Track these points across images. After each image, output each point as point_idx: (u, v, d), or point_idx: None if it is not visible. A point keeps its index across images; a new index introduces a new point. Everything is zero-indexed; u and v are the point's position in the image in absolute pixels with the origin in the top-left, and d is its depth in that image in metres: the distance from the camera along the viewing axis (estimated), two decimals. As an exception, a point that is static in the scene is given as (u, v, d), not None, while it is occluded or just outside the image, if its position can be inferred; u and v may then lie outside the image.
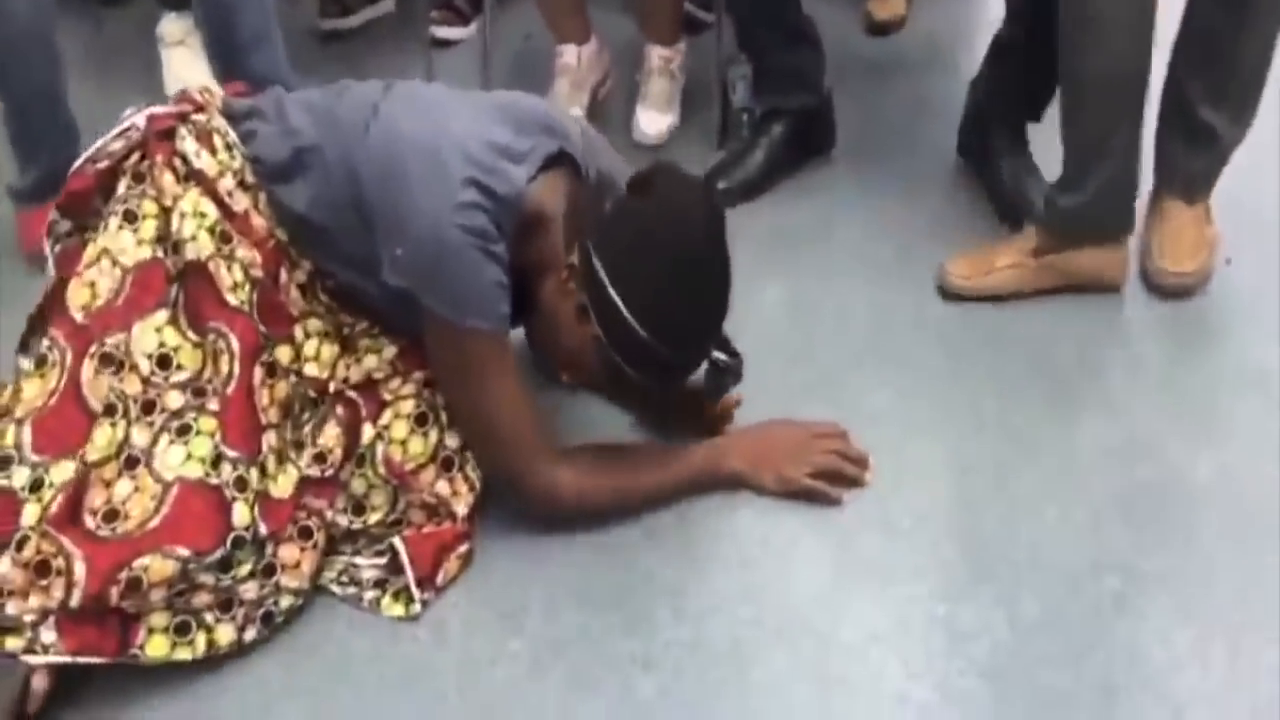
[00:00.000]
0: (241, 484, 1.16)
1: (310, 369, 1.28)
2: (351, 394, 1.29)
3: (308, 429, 1.26)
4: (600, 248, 1.21)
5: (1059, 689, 1.15)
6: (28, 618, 1.07)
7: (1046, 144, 1.88)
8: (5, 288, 1.77)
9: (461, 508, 1.27)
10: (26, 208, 1.90)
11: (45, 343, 1.22)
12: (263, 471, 1.19)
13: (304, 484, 1.23)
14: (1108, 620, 1.22)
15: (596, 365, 1.25)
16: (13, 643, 1.06)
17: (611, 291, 1.19)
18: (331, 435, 1.27)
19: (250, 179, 1.27)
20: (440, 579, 1.24)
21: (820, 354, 1.62)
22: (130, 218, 1.24)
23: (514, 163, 1.22)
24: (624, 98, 2.24)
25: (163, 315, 1.20)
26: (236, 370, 1.19)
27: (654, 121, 2.18)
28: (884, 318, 1.69)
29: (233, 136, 1.29)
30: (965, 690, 1.15)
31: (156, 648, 1.11)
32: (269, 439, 1.21)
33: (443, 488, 1.27)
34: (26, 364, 1.27)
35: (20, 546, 1.09)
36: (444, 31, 2.67)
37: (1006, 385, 1.56)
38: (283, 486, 1.21)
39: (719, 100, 2.18)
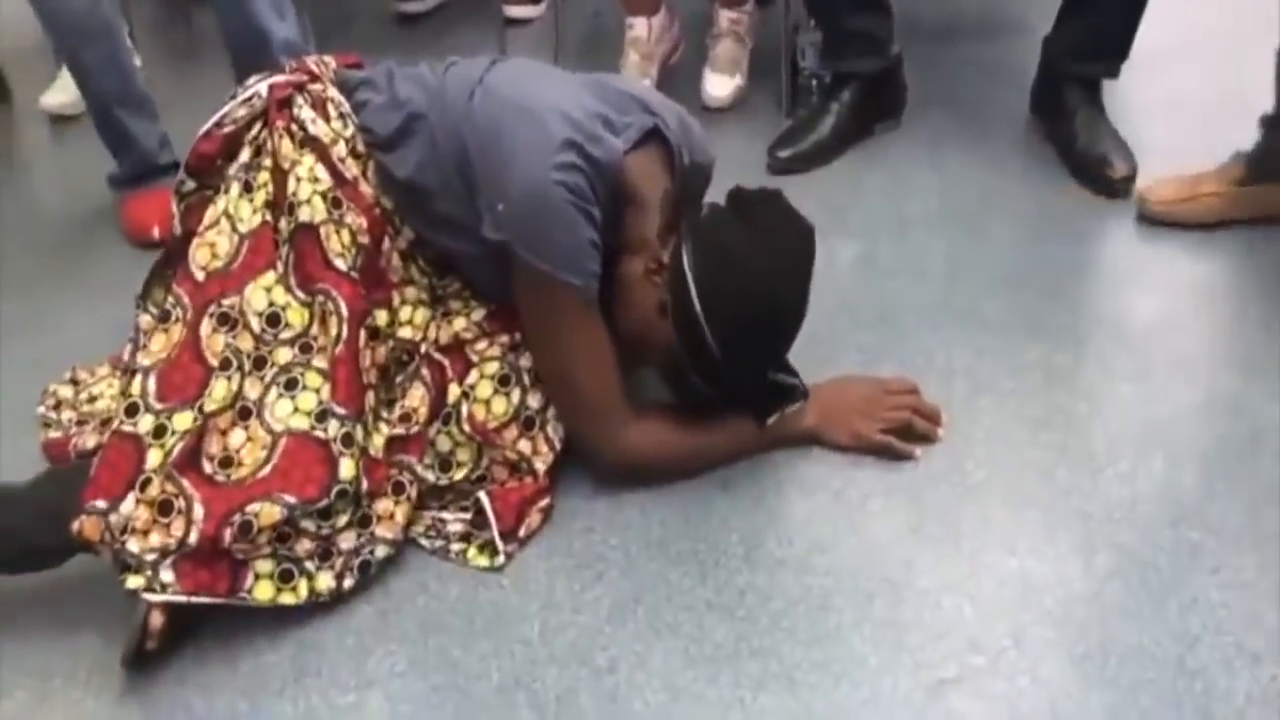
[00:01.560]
0: (348, 440, 1.23)
1: (404, 332, 1.34)
2: (438, 356, 1.35)
3: (397, 389, 1.33)
4: (694, 258, 1.24)
5: (1135, 639, 1.15)
6: (148, 556, 1.15)
7: (1123, 99, 1.86)
8: (106, 272, 1.89)
9: (541, 465, 1.33)
10: (125, 193, 2.02)
11: (170, 299, 1.30)
12: (364, 430, 1.26)
13: (392, 442, 1.30)
14: (1184, 571, 1.22)
15: (661, 352, 1.30)
16: (134, 581, 1.14)
17: (696, 305, 1.23)
18: (417, 396, 1.33)
19: (360, 148, 1.34)
20: (523, 532, 1.30)
21: (893, 312, 1.63)
22: (248, 188, 1.31)
23: (612, 133, 1.27)
24: (694, 66, 2.27)
25: (271, 276, 1.28)
26: (345, 332, 1.26)
27: (721, 84, 2.21)
28: (957, 275, 1.70)
29: (346, 106, 1.35)
30: (1040, 639, 1.16)
31: (263, 591, 1.19)
32: (369, 399, 1.28)
33: (524, 446, 1.32)
34: (146, 318, 1.37)
35: (144, 487, 1.18)
36: (515, 10, 2.73)
37: (1080, 341, 1.55)
38: (377, 444, 1.28)
39: (787, 68, 2.19)
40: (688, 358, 1.26)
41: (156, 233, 1.90)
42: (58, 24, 1.89)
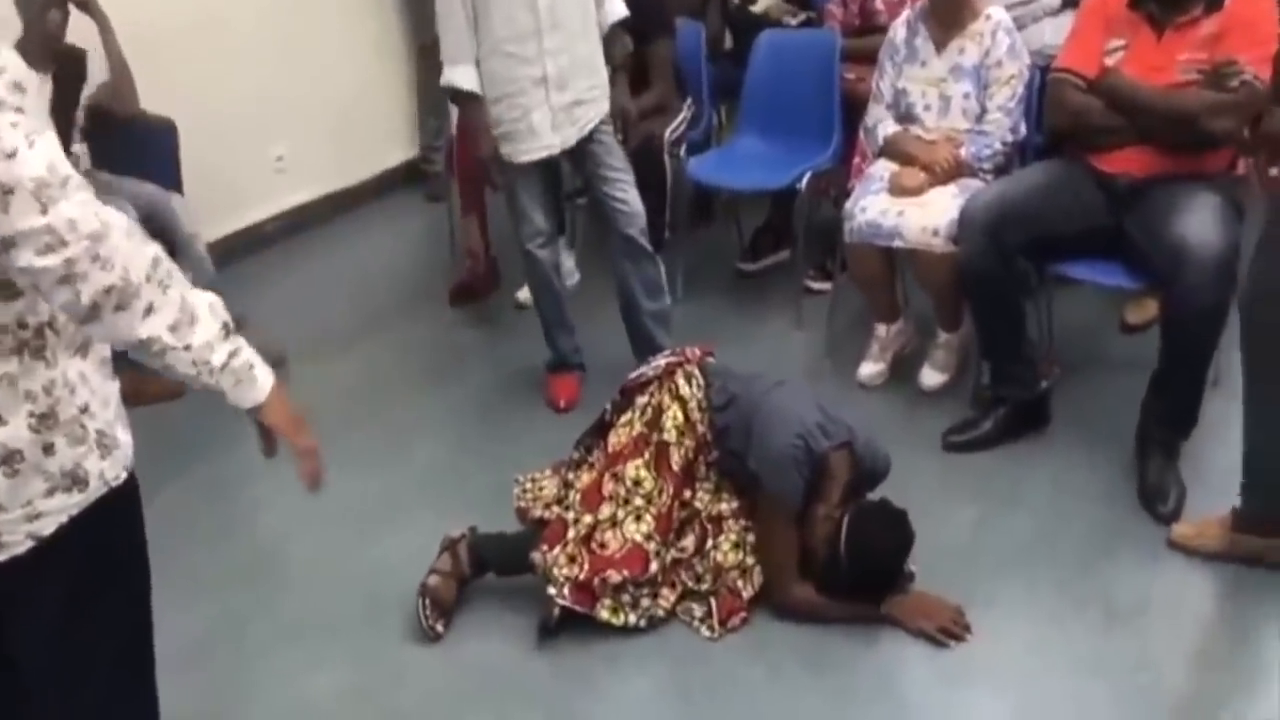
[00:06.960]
0: (658, 554, 2.49)
1: (696, 504, 2.60)
2: (707, 522, 2.59)
3: (685, 533, 2.59)
4: (850, 525, 2.43)
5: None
6: (560, 580, 2.44)
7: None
8: (536, 428, 3.30)
9: (748, 594, 2.52)
10: (549, 374, 3.44)
11: (594, 454, 2.69)
12: (666, 550, 2.52)
13: (675, 561, 2.54)
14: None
15: (818, 559, 2.47)
16: (551, 590, 2.44)
17: (843, 548, 2.42)
18: (691, 540, 2.57)
19: (705, 405, 2.61)
20: (731, 625, 2.49)
21: (988, 575, 2.67)
22: (643, 413, 2.63)
23: (825, 437, 2.47)
24: (919, 359, 3.42)
25: (640, 462, 2.57)
26: (667, 500, 2.53)
27: (932, 377, 3.36)
28: (1033, 548, 2.69)
29: (701, 381, 2.63)
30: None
31: (603, 614, 2.45)
32: (670, 536, 2.54)
33: (740, 582, 2.52)
34: (577, 454, 2.77)
35: (564, 547, 2.48)
36: (813, 284, 4.02)
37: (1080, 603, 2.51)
38: (668, 559, 2.52)
39: (974, 380, 3.29)
40: (830, 569, 2.44)
41: (562, 404, 3.33)
42: (535, 283, 3.36)
